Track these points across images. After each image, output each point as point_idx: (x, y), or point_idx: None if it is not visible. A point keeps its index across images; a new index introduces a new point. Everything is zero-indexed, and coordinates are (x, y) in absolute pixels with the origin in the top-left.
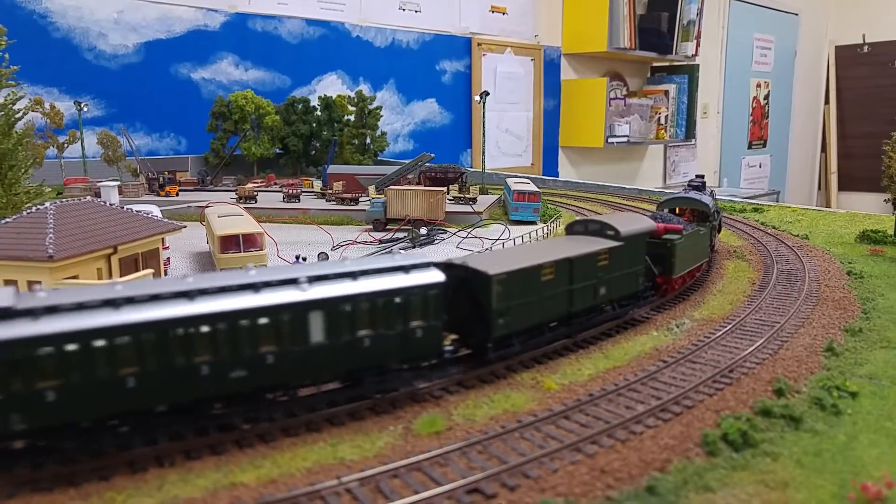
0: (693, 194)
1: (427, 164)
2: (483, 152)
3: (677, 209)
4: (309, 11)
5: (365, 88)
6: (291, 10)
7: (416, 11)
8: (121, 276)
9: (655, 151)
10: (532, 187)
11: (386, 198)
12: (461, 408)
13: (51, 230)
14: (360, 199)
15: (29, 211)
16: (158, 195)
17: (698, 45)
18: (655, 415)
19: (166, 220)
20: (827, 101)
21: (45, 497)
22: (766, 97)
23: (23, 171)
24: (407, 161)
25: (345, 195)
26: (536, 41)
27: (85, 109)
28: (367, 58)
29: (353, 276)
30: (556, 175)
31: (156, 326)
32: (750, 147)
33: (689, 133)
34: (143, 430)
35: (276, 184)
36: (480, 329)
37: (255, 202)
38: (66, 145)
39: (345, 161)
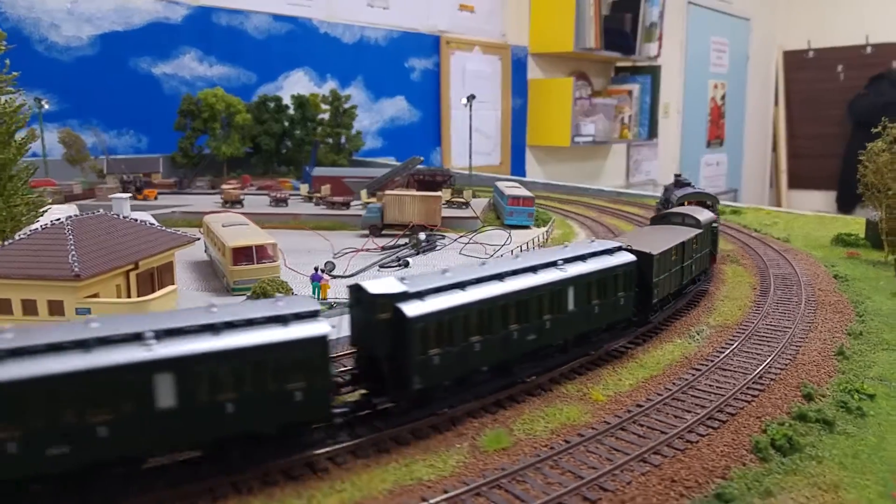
0: (696, 189)
1: (415, 167)
2: (469, 155)
3: (686, 202)
4: (276, 6)
5: (333, 85)
6: (258, 4)
7: (384, 8)
8: (138, 293)
9: (618, 150)
10: (525, 192)
11: (382, 203)
12: (519, 423)
13: (72, 247)
14: (352, 204)
15: (45, 226)
16: (136, 199)
17: (661, 46)
18: (704, 423)
19: (179, 232)
20: (777, 103)
21: None
22: (723, 98)
23: (22, 181)
24: (396, 163)
25: (335, 199)
26: (504, 40)
27: (46, 107)
28: (335, 54)
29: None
30: (524, 174)
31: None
32: (708, 146)
33: (652, 132)
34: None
35: (251, 185)
36: (646, 298)
37: (242, 206)
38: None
39: (319, 161)
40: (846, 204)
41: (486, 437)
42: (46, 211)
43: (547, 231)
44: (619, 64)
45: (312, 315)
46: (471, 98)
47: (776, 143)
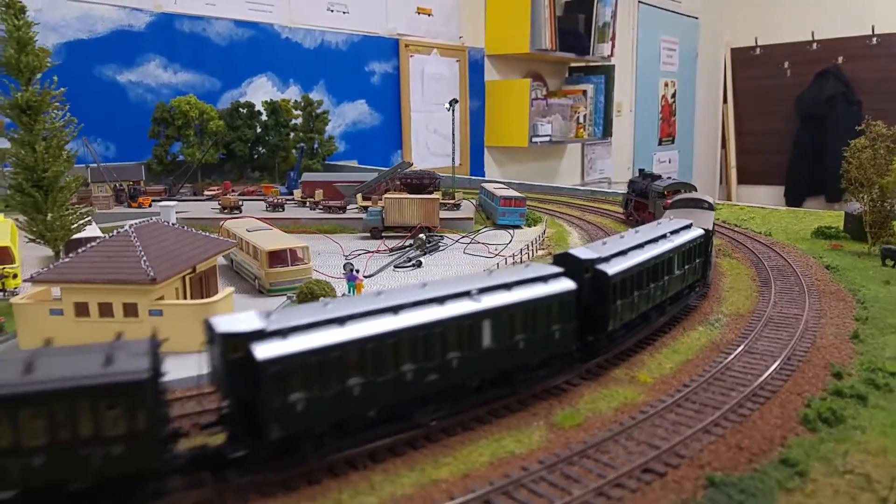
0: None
1: (404, 171)
2: (453, 158)
3: (666, 191)
4: (237, 12)
5: (295, 90)
6: (219, 10)
7: (343, 13)
8: (191, 296)
9: (573, 149)
10: (514, 193)
11: (382, 206)
12: (582, 403)
13: (142, 253)
14: (348, 207)
15: (112, 234)
16: (130, 206)
17: (613, 46)
18: (751, 399)
19: (222, 238)
20: (725, 100)
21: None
22: (674, 96)
23: (71, 191)
24: (358, 166)
25: (332, 203)
26: (461, 42)
27: None
28: (297, 59)
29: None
30: (483, 174)
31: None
32: (660, 143)
33: (607, 131)
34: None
35: (233, 191)
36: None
37: (240, 212)
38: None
39: (290, 166)
40: (794, 198)
41: (559, 415)
42: (89, 221)
43: (543, 231)
44: (573, 64)
45: (558, 276)
46: (453, 102)
47: (725, 140)
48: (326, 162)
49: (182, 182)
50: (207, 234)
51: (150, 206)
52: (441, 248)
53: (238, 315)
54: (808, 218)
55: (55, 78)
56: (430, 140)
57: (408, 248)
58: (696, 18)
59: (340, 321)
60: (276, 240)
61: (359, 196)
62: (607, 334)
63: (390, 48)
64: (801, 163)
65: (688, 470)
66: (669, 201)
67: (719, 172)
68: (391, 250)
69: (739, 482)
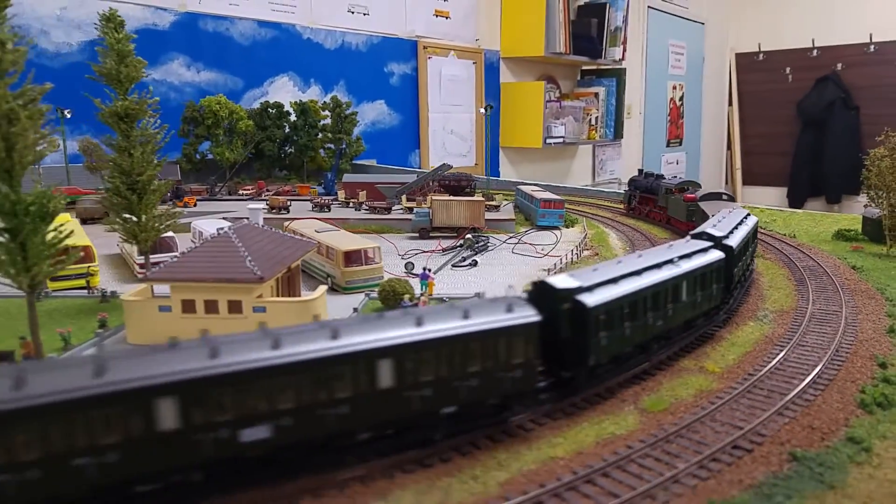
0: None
1: (443, 173)
2: (487, 162)
3: (675, 189)
4: (260, 13)
5: (316, 90)
6: (243, 10)
7: (364, 14)
8: (280, 294)
9: (584, 150)
10: (552, 195)
11: (430, 207)
12: (663, 390)
13: (245, 253)
14: (393, 208)
15: (214, 236)
16: (176, 206)
17: (625, 50)
18: (812, 387)
19: (306, 239)
20: (730, 103)
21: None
22: (681, 99)
23: (160, 194)
24: (376, 165)
25: (378, 204)
26: (478, 45)
27: (68, 115)
28: (318, 60)
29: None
30: (498, 174)
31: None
32: (668, 145)
33: (618, 133)
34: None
35: (268, 190)
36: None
37: (288, 212)
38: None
39: (317, 165)
40: (796, 199)
41: (647, 401)
42: (172, 224)
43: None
44: (585, 67)
45: (710, 249)
46: (489, 108)
47: (730, 142)
48: (353, 162)
49: (225, 182)
50: (292, 235)
51: (194, 205)
52: (490, 247)
53: (556, 277)
54: (826, 221)
55: (150, 88)
56: (448, 140)
57: (459, 248)
58: (703, 24)
59: (614, 281)
60: (349, 241)
61: (404, 198)
62: (588, 370)
63: (409, 50)
64: (803, 165)
65: (771, 447)
66: (689, 195)
67: (725, 174)
68: (444, 250)
69: (816, 457)
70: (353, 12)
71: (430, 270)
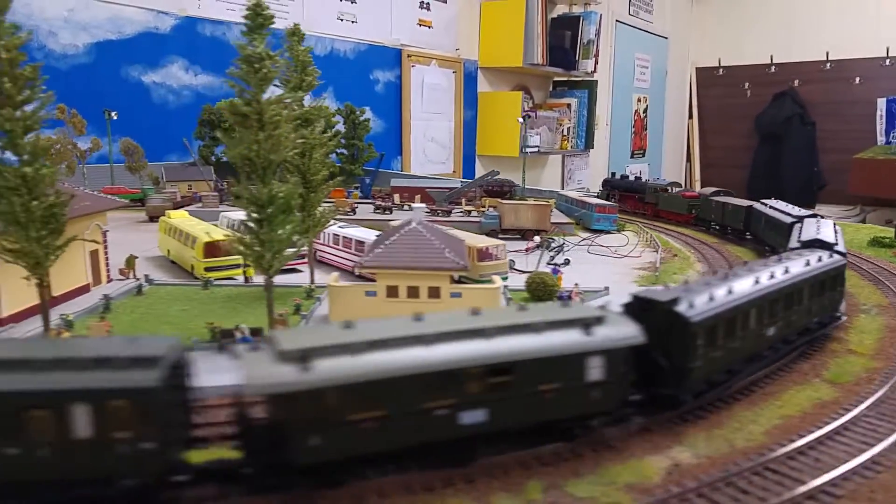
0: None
1: (492, 179)
2: (524, 171)
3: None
4: None
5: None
6: (239, 15)
7: (352, 22)
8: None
9: (555, 160)
10: (604, 202)
11: (499, 210)
12: (833, 366)
13: (441, 245)
14: (452, 211)
15: (405, 231)
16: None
17: (597, 62)
18: None
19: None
20: (691, 116)
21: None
22: (645, 111)
23: (326, 191)
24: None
25: (438, 207)
26: (458, 54)
27: (114, 117)
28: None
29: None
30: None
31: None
32: (632, 156)
33: (588, 143)
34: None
35: None
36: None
37: (355, 214)
38: (87, 153)
39: (331, 172)
40: None
41: (828, 374)
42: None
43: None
44: (557, 78)
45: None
46: (526, 118)
47: (690, 154)
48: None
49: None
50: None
51: None
52: (566, 248)
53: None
54: (847, 230)
55: (324, 95)
56: (428, 148)
57: (541, 249)
58: (666, 38)
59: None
60: (477, 239)
61: (463, 201)
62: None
63: (393, 58)
64: (760, 178)
65: None
66: (689, 193)
67: (685, 185)
68: (527, 251)
69: None
70: (342, 20)
71: (559, 266)
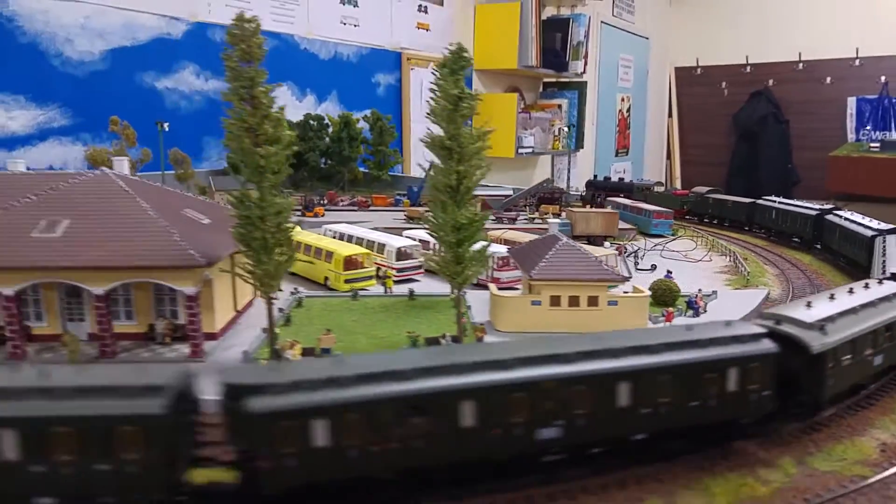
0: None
1: (548, 187)
2: (568, 178)
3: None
4: (263, 23)
5: (311, 99)
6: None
7: (354, 26)
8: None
9: (544, 160)
10: (657, 207)
11: (571, 218)
12: None
13: (594, 257)
14: (517, 219)
15: (559, 245)
16: (305, 216)
17: (586, 63)
18: None
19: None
20: (670, 115)
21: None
22: (629, 110)
23: (472, 196)
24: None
25: (506, 215)
26: None
27: (166, 128)
28: (314, 70)
29: None
30: None
31: None
32: (617, 155)
33: (579, 143)
34: None
35: (342, 200)
36: None
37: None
38: (138, 164)
39: (354, 176)
40: None
41: None
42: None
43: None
44: (547, 80)
45: None
46: (571, 127)
47: (670, 152)
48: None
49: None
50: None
51: (322, 215)
52: (641, 252)
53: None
54: None
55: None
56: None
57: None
58: (647, 38)
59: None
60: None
61: (528, 209)
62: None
63: (394, 61)
64: (738, 174)
65: None
66: (679, 191)
67: (665, 182)
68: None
69: None
70: (345, 24)
71: (671, 272)
